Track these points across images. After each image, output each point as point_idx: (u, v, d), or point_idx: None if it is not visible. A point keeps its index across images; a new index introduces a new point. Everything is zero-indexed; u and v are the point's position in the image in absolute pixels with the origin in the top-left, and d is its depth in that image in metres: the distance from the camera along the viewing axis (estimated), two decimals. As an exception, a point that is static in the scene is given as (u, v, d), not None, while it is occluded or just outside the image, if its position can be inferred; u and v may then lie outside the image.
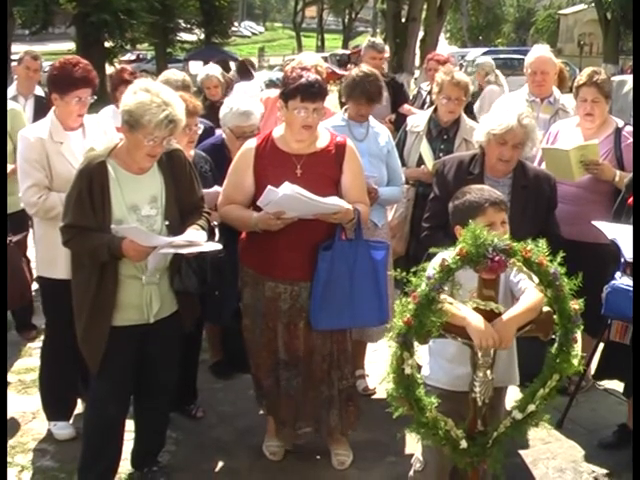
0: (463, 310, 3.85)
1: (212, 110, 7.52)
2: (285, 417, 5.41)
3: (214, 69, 10.26)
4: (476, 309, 3.86)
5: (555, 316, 3.87)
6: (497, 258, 3.66)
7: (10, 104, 7.29)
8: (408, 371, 3.81)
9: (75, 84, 5.38)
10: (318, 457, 5.49)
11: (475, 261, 3.68)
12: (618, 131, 6.08)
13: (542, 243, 3.78)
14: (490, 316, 3.84)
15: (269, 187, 4.79)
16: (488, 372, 3.88)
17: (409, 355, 3.78)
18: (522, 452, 5.56)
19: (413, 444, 4.82)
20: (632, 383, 4.89)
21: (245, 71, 12.71)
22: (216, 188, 5.45)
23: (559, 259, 3.78)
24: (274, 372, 5.30)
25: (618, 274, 5.13)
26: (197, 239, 4.61)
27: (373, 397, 6.39)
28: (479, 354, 3.84)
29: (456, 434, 3.95)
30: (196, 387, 6.14)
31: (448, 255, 3.75)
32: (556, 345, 3.93)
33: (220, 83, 9.95)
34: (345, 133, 5.75)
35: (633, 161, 5.16)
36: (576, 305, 3.82)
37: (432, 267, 3.77)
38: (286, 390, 5.29)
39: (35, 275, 5.76)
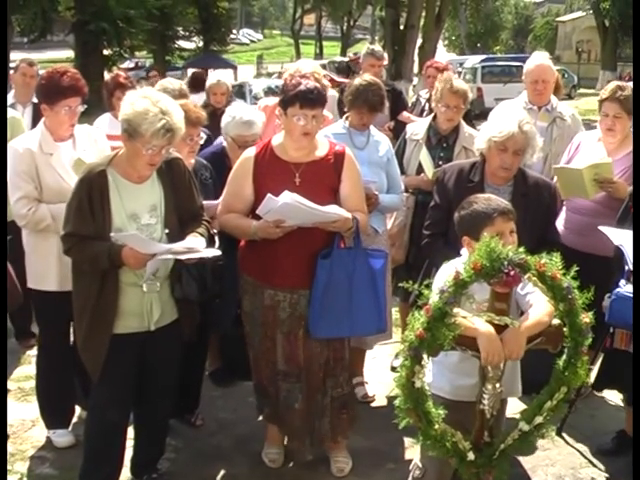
0: (476, 322, 3.82)
1: (214, 118, 7.45)
2: (287, 428, 5.43)
3: (224, 77, 10.21)
4: (489, 323, 3.83)
5: (565, 329, 3.87)
6: (512, 272, 3.63)
7: (9, 112, 7.28)
8: (418, 384, 3.79)
9: (63, 93, 5.34)
10: (317, 464, 5.48)
11: (490, 275, 3.66)
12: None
13: (556, 256, 3.78)
14: (502, 330, 3.82)
15: (269, 196, 4.79)
16: (497, 385, 3.88)
17: (420, 368, 3.77)
18: (521, 459, 5.55)
19: (412, 451, 4.84)
20: (632, 389, 4.88)
21: (196, 84, 12.60)
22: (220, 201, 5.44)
23: (572, 273, 3.78)
24: (274, 382, 5.30)
25: (622, 282, 5.09)
26: (196, 246, 4.62)
27: (372, 404, 6.40)
28: (489, 367, 3.84)
29: (464, 446, 3.95)
30: (199, 396, 6.14)
31: (457, 266, 3.74)
32: (564, 357, 3.93)
33: (228, 91, 9.89)
34: (346, 141, 5.78)
35: (633, 163, 5.12)
36: (587, 319, 3.83)
37: (441, 279, 3.76)
38: (287, 403, 5.29)
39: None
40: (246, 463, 5.60)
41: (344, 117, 6.42)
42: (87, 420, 5.05)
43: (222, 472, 5.52)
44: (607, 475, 5.46)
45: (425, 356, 3.78)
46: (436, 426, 3.86)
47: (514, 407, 4.87)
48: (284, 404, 5.30)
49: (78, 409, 5.92)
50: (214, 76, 10.13)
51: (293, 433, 5.45)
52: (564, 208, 6.25)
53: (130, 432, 5.11)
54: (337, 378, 5.32)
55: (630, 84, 6.90)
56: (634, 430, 4.90)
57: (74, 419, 5.87)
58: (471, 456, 3.95)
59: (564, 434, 5.90)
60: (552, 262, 3.74)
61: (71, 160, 5.36)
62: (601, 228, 5.26)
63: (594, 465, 5.58)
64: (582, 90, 45.26)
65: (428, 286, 3.79)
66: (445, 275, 3.81)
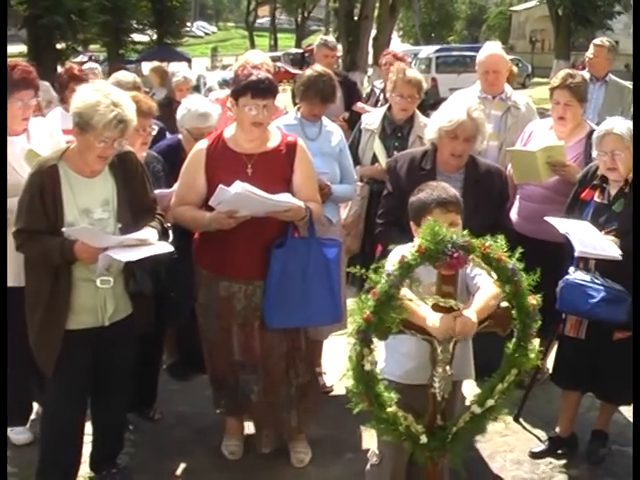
0: (422, 309, 3.86)
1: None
2: (247, 418, 5.44)
3: (190, 72, 10.28)
4: (435, 305, 3.86)
5: (513, 311, 3.91)
6: (456, 255, 3.67)
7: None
8: (368, 367, 3.83)
9: (16, 86, 5.31)
10: (277, 455, 5.48)
11: (434, 258, 3.69)
12: (591, 135, 5.83)
13: (500, 239, 3.81)
14: (449, 312, 3.84)
15: (220, 186, 4.78)
16: (447, 368, 3.90)
17: (369, 352, 3.80)
18: (479, 445, 5.60)
19: (371, 440, 4.84)
20: (633, 389, 4.89)
21: None
22: (174, 189, 5.43)
23: (517, 255, 3.81)
24: (232, 373, 5.30)
25: (572, 269, 5.17)
26: (148, 237, 4.61)
27: (331, 394, 6.41)
28: (438, 350, 3.86)
29: (416, 429, 3.97)
30: (157, 390, 6.12)
31: (406, 251, 3.76)
32: (514, 340, 3.97)
33: (191, 87, 9.97)
34: (297, 132, 5.77)
35: (633, 161, 5.10)
36: (534, 300, 3.86)
37: (391, 263, 3.79)
38: (245, 393, 5.30)
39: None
40: (206, 456, 5.60)
41: (295, 108, 6.42)
42: (42, 417, 5.03)
43: (182, 465, 5.52)
44: (565, 459, 5.51)
45: (375, 340, 3.82)
46: (388, 409, 3.89)
47: (471, 391, 4.91)
48: (243, 393, 5.31)
49: (35, 405, 5.87)
50: (180, 72, 10.18)
51: (248, 419, 5.46)
52: (517, 197, 6.29)
53: (88, 428, 5.09)
54: (297, 368, 5.35)
55: (581, 72, 6.95)
56: (634, 430, 4.88)
57: (32, 416, 5.83)
58: (424, 439, 3.97)
59: (522, 420, 5.95)
60: (497, 244, 3.78)
61: (23, 151, 5.31)
62: (547, 218, 5.29)
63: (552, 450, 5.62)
64: (536, 79, 45.52)
65: (376, 270, 3.81)
66: (393, 260, 3.84)
